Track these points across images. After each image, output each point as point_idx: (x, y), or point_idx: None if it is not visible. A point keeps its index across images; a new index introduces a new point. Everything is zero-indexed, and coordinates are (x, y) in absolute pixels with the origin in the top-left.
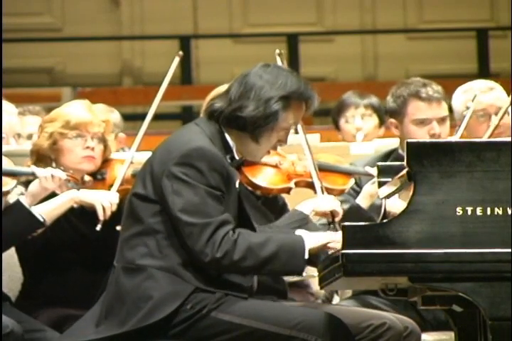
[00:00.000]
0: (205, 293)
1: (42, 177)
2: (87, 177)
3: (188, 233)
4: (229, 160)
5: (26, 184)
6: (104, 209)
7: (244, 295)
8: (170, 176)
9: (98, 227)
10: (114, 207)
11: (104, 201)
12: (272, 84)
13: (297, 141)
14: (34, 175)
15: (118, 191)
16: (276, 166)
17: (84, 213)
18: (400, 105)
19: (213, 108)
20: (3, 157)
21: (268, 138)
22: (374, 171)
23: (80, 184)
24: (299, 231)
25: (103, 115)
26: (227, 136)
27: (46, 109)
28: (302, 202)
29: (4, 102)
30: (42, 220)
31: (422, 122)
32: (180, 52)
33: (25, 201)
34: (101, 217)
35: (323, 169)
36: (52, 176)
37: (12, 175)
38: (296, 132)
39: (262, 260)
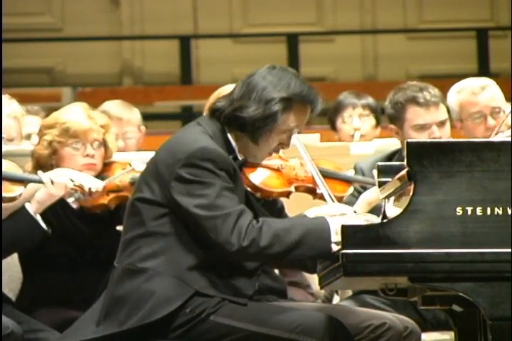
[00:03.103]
0: (205, 297)
1: (49, 184)
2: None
3: (211, 226)
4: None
5: None
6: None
7: (243, 300)
8: (178, 179)
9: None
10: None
11: (93, 183)
12: (274, 86)
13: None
14: (41, 182)
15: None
16: (277, 170)
17: (85, 214)
18: (398, 111)
19: (216, 106)
20: (11, 162)
21: (267, 139)
22: (372, 180)
23: (87, 195)
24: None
25: (101, 120)
26: (229, 135)
27: (46, 109)
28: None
29: (14, 103)
30: (46, 229)
31: (422, 127)
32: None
33: (31, 208)
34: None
35: (322, 175)
36: (59, 183)
37: (19, 181)
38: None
39: (289, 245)
